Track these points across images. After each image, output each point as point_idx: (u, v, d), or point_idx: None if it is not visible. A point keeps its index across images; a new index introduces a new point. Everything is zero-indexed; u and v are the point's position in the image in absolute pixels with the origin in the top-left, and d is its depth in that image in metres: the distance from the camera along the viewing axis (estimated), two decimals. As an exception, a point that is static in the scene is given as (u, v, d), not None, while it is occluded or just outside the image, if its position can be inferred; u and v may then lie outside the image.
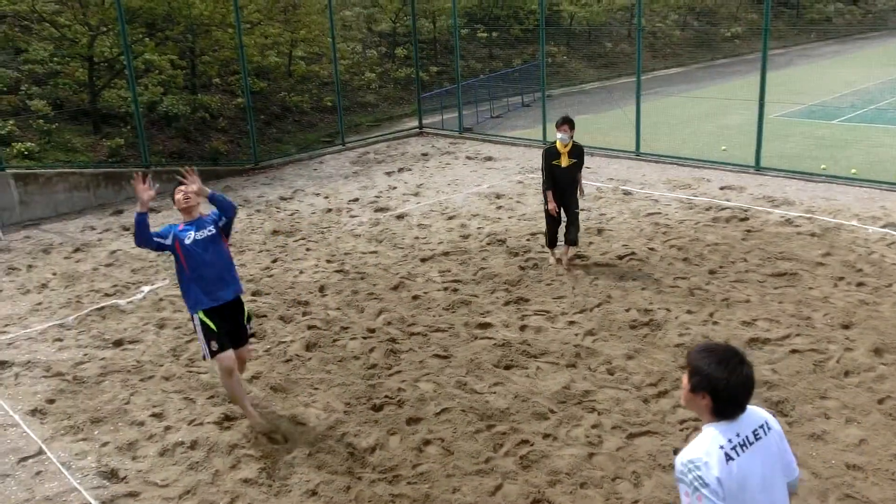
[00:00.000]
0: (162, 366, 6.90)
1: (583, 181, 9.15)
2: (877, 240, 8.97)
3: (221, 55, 17.11)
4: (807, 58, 30.64)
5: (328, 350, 7.03)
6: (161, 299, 8.43)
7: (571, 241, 8.66)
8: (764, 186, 11.49)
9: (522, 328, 7.23)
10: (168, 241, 5.55)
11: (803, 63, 28.84)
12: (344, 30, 23.30)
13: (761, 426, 2.73)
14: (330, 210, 11.66)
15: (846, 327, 6.86)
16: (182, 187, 5.64)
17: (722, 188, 11.50)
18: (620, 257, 8.84)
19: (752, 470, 2.64)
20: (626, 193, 11.47)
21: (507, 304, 7.80)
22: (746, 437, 2.67)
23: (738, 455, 2.63)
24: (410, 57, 21.94)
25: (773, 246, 8.91)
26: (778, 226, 9.64)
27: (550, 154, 8.57)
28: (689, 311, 7.35)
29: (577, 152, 8.61)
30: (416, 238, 10.03)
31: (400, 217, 11.03)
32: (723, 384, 2.60)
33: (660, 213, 10.41)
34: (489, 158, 14.61)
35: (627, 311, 7.45)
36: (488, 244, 9.60)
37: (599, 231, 9.79)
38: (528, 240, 9.64)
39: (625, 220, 10.22)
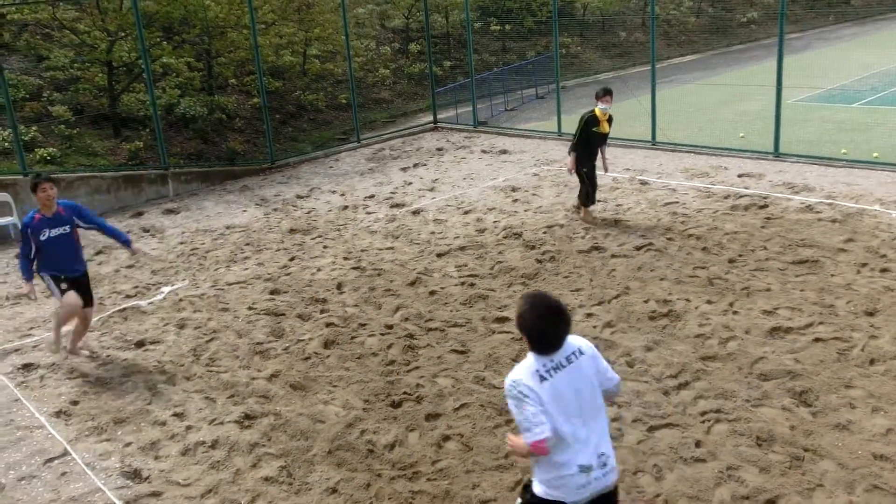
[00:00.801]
0: (182, 366, 6.92)
1: (607, 159, 10.05)
2: (900, 224, 8.80)
3: (237, 56, 17.16)
4: (825, 41, 30.14)
5: (346, 347, 7.01)
6: (181, 300, 8.45)
7: (592, 201, 9.81)
8: (783, 173, 11.30)
9: (540, 321, 7.14)
10: (30, 245, 6.61)
11: (821, 46, 28.36)
12: (357, 27, 23.27)
13: (574, 353, 3.36)
14: (346, 207, 11.64)
15: (870, 314, 6.72)
16: (46, 185, 6.57)
17: (740, 175, 11.33)
18: (638, 248, 8.72)
19: (565, 386, 3.28)
20: (643, 183, 11.34)
21: (524, 297, 7.71)
22: (560, 362, 3.30)
23: (550, 376, 3.26)
24: (424, 52, 21.87)
25: (793, 233, 8.76)
26: (798, 212, 9.48)
27: (591, 121, 9.38)
28: (708, 301, 7.23)
29: (611, 121, 9.59)
30: (433, 233, 9.98)
31: (416, 213, 10.99)
32: (536, 332, 3.24)
33: (677, 202, 10.28)
34: (504, 152, 14.52)
35: (646, 302, 7.35)
36: (504, 238, 9.52)
37: (616, 222, 9.68)
38: (544, 232, 9.55)
39: (642, 210, 10.09)
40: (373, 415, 5.84)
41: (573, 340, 3.41)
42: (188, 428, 5.88)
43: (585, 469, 3.30)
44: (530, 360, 3.31)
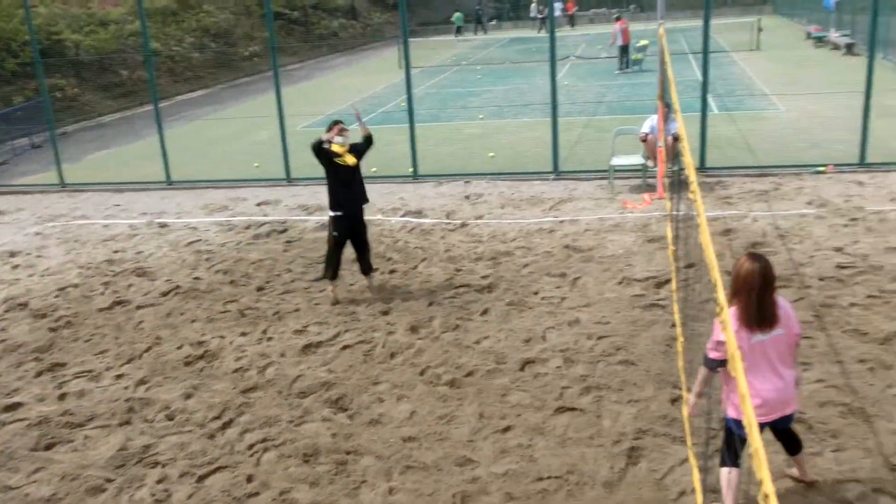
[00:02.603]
0: None
1: None
2: (399, 229, 10.15)
3: None
4: (321, 70, 33.30)
5: None
6: None
7: (367, 269, 8.14)
8: (297, 196, 12.14)
9: (62, 397, 6.49)
10: None
11: (320, 75, 31.26)
12: None
13: None
14: None
15: (385, 314, 7.60)
16: None
17: (259, 204, 11.84)
18: (165, 294, 8.50)
19: None
20: (163, 226, 11.08)
21: (39, 374, 6.92)
22: None
23: None
24: None
25: (312, 252, 9.46)
26: (314, 231, 10.28)
27: (328, 153, 7.78)
28: (242, 333, 7.39)
29: (357, 147, 8.08)
30: None
31: None
32: None
33: (200, 239, 10.30)
34: (-4, 213, 12.85)
35: (180, 348, 7.20)
36: (7, 311, 8.40)
37: (138, 271, 9.27)
38: (56, 297, 8.69)
39: (164, 253, 9.86)
40: None
41: None
42: None
43: None
44: None
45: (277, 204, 11.79)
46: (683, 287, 7.15)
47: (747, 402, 2.25)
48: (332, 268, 7.99)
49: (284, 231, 10.38)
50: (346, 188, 7.89)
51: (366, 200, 8.03)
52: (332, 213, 7.92)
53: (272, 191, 12.62)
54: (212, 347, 7.15)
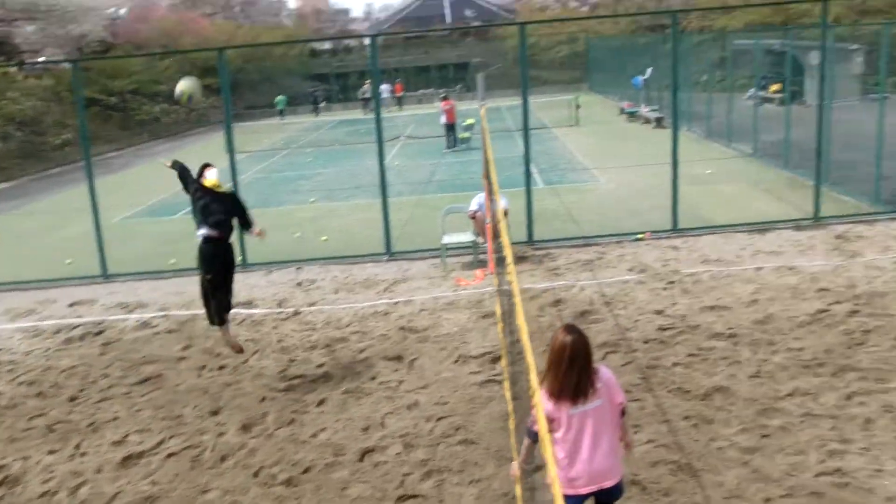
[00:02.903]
0: None
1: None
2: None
3: None
4: (143, 157, 32.21)
5: None
6: None
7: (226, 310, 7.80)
8: (115, 294, 11.47)
9: None
10: None
11: (141, 163, 30.21)
12: None
13: None
14: None
15: (215, 413, 7.27)
16: None
17: (71, 305, 11.09)
18: (-43, 414, 7.70)
19: None
20: (-43, 336, 10.11)
21: None
22: None
23: None
24: None
25: (133, 353, 8.95)
26: (135, 331, 9.74)
27: (198, 189, 7.70)
28: (51, 451, 6.80)
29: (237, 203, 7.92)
30: None
31: None
32: None
33: (1, 349, 9.46)
34: None
35: (-25, 476, 6.50)
36: None
37: (-75, 390, 8.36)
38: None
39: (-42, 368, 8.97)
40: None
41: None
42: None
43: None
44: None
45: (92, 303, 11.08)
46: (513, 362, 7.36)
47: (556, 485, 2.33)
48: (215, 314, 7.66)
49: (101, 333, 9.75)
50: (210, 207, 7.63)
51: (231, 229, 7.78)
52: (199, 236, 7.55)
53: (87, 289, 11.86)
54: (13, 471, 6.50)
